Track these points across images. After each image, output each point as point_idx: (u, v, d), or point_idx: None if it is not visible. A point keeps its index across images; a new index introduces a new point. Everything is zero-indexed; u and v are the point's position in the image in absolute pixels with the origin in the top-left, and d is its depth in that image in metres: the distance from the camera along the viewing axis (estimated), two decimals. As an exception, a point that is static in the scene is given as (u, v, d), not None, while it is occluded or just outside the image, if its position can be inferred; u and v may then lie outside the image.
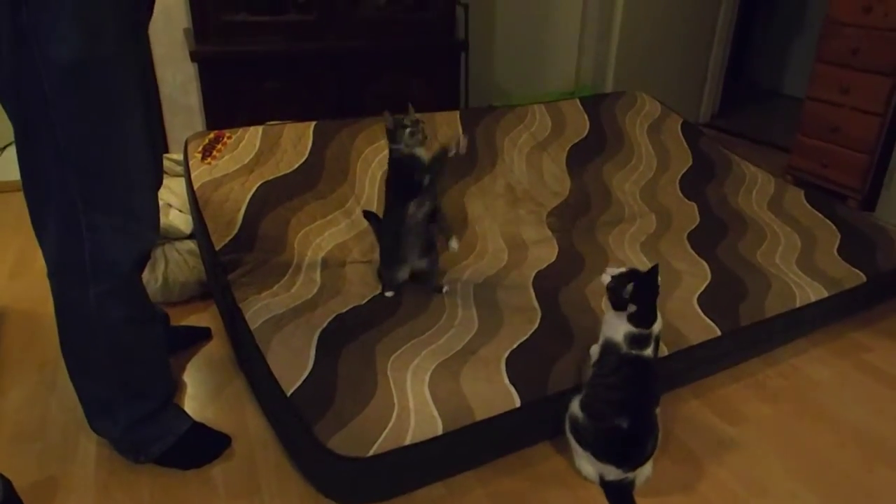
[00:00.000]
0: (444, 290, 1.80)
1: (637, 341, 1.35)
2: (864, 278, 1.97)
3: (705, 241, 2.18)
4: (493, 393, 1.42)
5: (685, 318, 1.73)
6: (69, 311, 1.31)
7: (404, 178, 1.73)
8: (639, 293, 1.33)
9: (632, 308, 1.33)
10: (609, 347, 1.39)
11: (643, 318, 1.34)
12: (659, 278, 1.36)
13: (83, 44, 1.09)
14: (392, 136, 1.71)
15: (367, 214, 2.00)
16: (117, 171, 1.22)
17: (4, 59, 1.08)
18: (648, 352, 1.36)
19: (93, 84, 1.13)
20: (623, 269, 1.37)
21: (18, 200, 2.57)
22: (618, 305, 1.35)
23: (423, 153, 1.72)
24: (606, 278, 1.36)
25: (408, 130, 1.68)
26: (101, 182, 1.21)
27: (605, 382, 1.39)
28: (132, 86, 1.21)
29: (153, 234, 1.33)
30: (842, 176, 2.94)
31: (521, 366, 1.51)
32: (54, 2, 1.05)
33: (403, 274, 1.78)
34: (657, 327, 1.37)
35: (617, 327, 1.37)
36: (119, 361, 1.37)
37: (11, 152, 3.31)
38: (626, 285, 1.32)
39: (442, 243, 1.82)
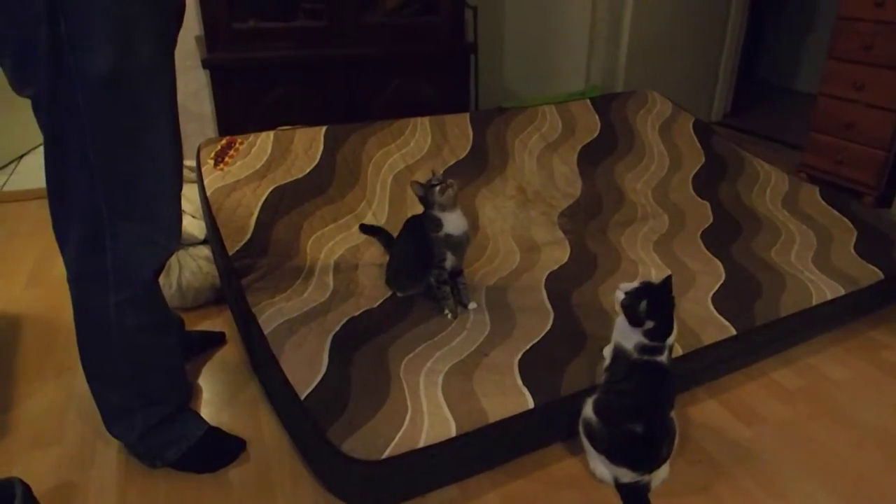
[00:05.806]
0: (459, 311, 1.74)
1: (649, 350, 1.33)
2: (881, 275, 1.94)
3: (719, 240, 2.16)
4: (507, 395, 1.42)
5: (699, 317, 1.71)
6: (88, 318, 1.32)
7: (434, 250, 1.69)
8: (654, 308, 1.29)
9: (649, 325, 1.30)
10: (619, 353, 1.37)
11: (659, 332, 1.32)
12: (672, 290, 1.32)
13: (117, 55, 1.11)
14: (426, 202, 1.67)
15: (372, 230, 2.02)
16: (145, 180, 1.23)
17: (41, 70, 1.09)
18: (662, 358, 1.34)
19: (126, 95, 1.15)
20: (636, 284, 1.33)
21: (35, 209, 2.60)
22: (635, 322, 1.32)
23: (460, 226, 1.68)
24: (620, 295, 1.33)
25: (437, 188, 1.63)
26: (127, 191, 1.22)
27: (617, 388, 1.38)
28: (164, 96, 1.23)
29: (175, 242, 1.34)
30: (857, 173, 2.91)
31: (534, 367, 1.50)
32: (90, 14, 1.07)
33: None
34: (671, 339, 1.34)
35: (629, 336, 1.34)
36: (136, 368, 1.38)
37: (27, 162, 3.37)
38: (640, 301, 1.29)
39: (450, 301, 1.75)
